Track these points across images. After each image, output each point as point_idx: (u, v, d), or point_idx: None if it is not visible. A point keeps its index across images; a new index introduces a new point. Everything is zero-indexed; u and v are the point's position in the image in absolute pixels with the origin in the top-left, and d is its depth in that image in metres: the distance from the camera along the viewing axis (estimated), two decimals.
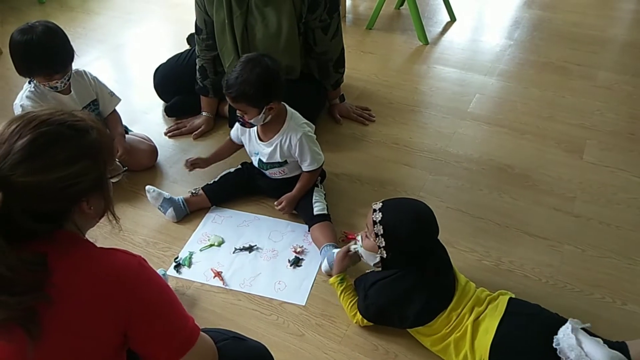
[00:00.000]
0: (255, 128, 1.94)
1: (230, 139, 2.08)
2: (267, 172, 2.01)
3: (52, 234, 0.95)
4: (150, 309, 0.98)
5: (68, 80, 1.99)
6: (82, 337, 0.92)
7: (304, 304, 1.70)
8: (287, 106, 1.92)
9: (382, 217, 1.50)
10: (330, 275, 1.75)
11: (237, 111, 1.83)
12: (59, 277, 0.89)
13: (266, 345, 1.39)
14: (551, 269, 1.80)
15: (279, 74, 1.81)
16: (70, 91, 2.04)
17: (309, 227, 1.92)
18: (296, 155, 1.91)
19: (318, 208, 1.94)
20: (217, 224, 2.00)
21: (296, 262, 1.84)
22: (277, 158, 1.93)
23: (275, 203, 1.98)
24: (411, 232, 1.49)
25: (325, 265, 1.76)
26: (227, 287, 1.76)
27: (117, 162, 1.10)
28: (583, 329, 1.35)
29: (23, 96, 1.98)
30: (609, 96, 2.74)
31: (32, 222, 0.90)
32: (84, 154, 0.95)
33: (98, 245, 1.01)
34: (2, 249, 0.84)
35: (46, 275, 0.88)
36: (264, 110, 1.80)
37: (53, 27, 1.91)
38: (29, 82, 1.99)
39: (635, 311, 1.67)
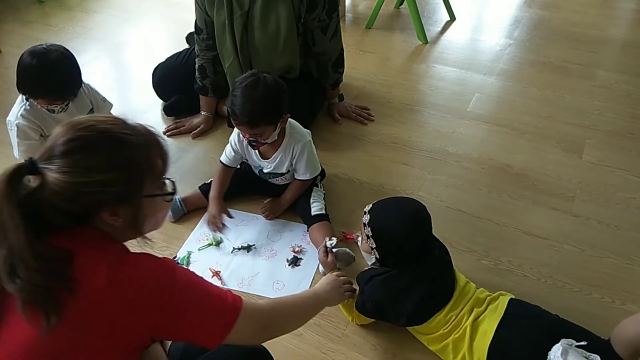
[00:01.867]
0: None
1: (225, 166, 1.97)
2: (269, 180, 2.01)
3: (80, 230, 0.96)
4: (189, 309, 0.98)
5: (67, 105, 1.96)
6: (103, 338, 0.91)
7: None
8: None
9: (369, 219, 1.51)
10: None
11: (249, 136, 1.77)
12: (84, 276, 0.90)
13: (265, 345, 1.39)
14: (550, 268, 1.80)
15: (281, 83, 1.78)
16: (67, 109, 2.00)
17: (308, 227, 1.92)
18: (294, 162, 1.90)
19: (316, 208, 1.93)
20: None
21: (294, 262, 1.84)
22: (282, 169, 1.92)
23: (261, 210, 1.98)
24: (399, 233, 1.49)
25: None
26: (225, 287, 1.75)
27: (167, 185, 1.10)
28: (580, 346, 1.31)
29: (18, 115, 1.94)
30: (608, 96, 2.74)
31: (59, 217, 0.93)
32: (115, 166, 0.94)
33: None
34: (31, 239, 0.87)
35: (71, 269, 0.89)
36: (278, 125, 1.78)
37: (67, 58, 1.89)
38: (24, 99, 1.96)
39: (634, 311, 1.66)
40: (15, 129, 1.94)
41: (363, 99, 2.71)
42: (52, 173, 0.90)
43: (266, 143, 1.82)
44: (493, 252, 1.86)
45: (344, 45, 2.44)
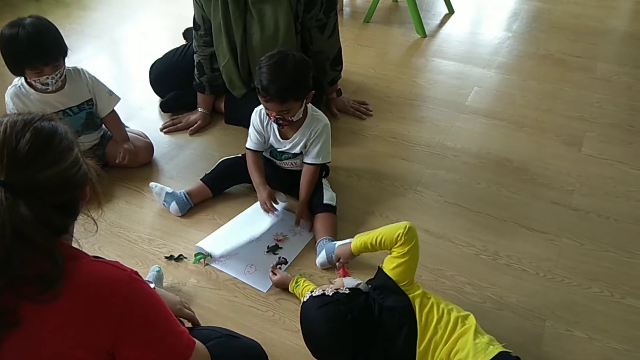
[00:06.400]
0: (275, 128, 1.91)
1: (254, 152, 1.96)
2: (278, 162, 2.00)
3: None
4: (142, 326, 0.95)
5: (60, 77, 1.96)
6: (54, 359, 0.89)
7: (264, 291, 1.71)
8: None
9: None
10: (325, 269, 1.77)
11: (276, 113, 1.78)
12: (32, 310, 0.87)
13: (262, 342, 1.40)
14: (549, 262, 1.79)
15: (307, 59, 1.82)
16: (63, 88, 2.01)
17: (314, 214, 1.92)
18: (310, 142, 1.89)
19: (327, 196, 1.93)
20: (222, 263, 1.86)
21: (273, 250, 1.86)
22: (297, 150, 1.92)
23: (296, 225, 1.93)
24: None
25: (322, 257, 1.76)
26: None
27: None
28: None
29: (10, 92, 1.98)
30: (608, 88, 2.72)
31: (63, 217, 0.92)
32: (72, 142, 0.96)
33: (91, 243, 0.99)
34: None
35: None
36: (304, 101, 1.80)
37: (43, 20, 1.88)
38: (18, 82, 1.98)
39: (634, 305, 1.65)
40: (5, 104, 1.99)
41: (361, 93, 2.70)
42: (40, 173, 0.87)
43: (292, 121, 1.83)
44: (492, 247, 1.85)
45: (342, 40, 2.42)
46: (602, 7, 3.64)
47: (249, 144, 1.97)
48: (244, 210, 1.98)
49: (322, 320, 1.38)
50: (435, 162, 2.24)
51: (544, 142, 2.35)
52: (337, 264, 1.68)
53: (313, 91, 1.83)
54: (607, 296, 1.68)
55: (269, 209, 1.89)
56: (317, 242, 1.83)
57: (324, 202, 1.92)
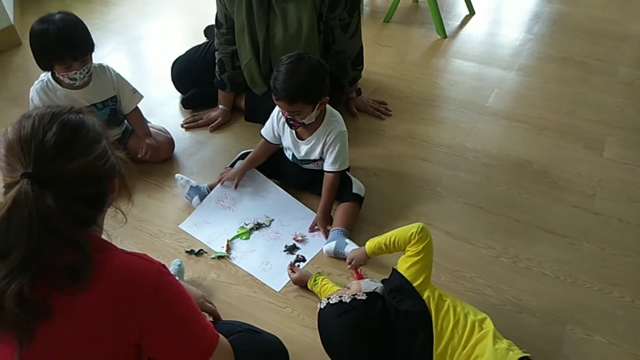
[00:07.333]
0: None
1: (266, 141, 2.03)
2: (302, 165, 2.02)
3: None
4: (169, 318, 0.96)
5: (88, 72, 1.98)
6: (83, 349, 0.90)
7: (277, 290, 1.72)
8: None
9: None
10: (331, 257, 1.80)
11: (287, 114, 1.80)
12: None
13: (281, 338, 1.40)
14: (570, 266, 1.78)
15: (325, 65, 1.81)
16: (88, 84, 2.03)
17: (340, 202, 1.94)
18: (326, 148, 1.90)
19: (356, 187, 1.96)
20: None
21: (291, 250, 1.86)
22: (315, 155, 1.93)
23: (311, 233, 1.93)
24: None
25: (330, 247, 1.79)
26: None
27: None
28: None
29: (37, 86, 2.00)
30: (630, 92, 2.70)
31: (88, 209, 0.92)
32: (100, 134, 0.97)
33: (113, 236, 1.01)
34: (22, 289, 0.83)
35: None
36: (317, 106, 1.79)
37: (72, 16, 1.91)
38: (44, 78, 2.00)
39: None
40: (31, 99, 2.01)
41: (381, 93, 2.70)
42: (66, 165, 0.88)
43: (303, 124, 1.83)
44: (512, 250, 1.84)
45: (362, 39, 2.42)
46: (624, 10, 3.60)
47: (262, 130, 2.02)
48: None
49: (340, 329, 1.40)
50: (455, 164, 2.24)
51: (565, 146, 2.33)
52: (349, 266, 1.68)
53: (327, 97, 1.82)
54: (627, 301, 1.67)
55: (226, 178, 2.02)
56: (332, 229, 1.84)
57: (353, 191, 1.94)
